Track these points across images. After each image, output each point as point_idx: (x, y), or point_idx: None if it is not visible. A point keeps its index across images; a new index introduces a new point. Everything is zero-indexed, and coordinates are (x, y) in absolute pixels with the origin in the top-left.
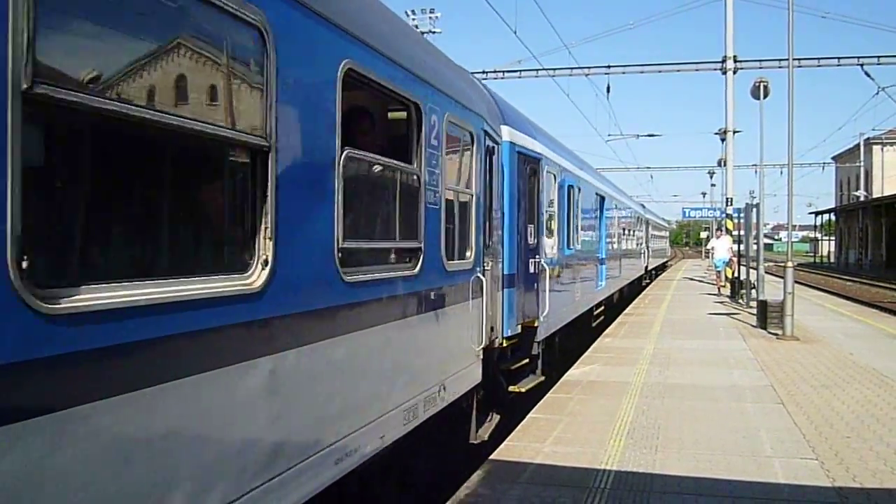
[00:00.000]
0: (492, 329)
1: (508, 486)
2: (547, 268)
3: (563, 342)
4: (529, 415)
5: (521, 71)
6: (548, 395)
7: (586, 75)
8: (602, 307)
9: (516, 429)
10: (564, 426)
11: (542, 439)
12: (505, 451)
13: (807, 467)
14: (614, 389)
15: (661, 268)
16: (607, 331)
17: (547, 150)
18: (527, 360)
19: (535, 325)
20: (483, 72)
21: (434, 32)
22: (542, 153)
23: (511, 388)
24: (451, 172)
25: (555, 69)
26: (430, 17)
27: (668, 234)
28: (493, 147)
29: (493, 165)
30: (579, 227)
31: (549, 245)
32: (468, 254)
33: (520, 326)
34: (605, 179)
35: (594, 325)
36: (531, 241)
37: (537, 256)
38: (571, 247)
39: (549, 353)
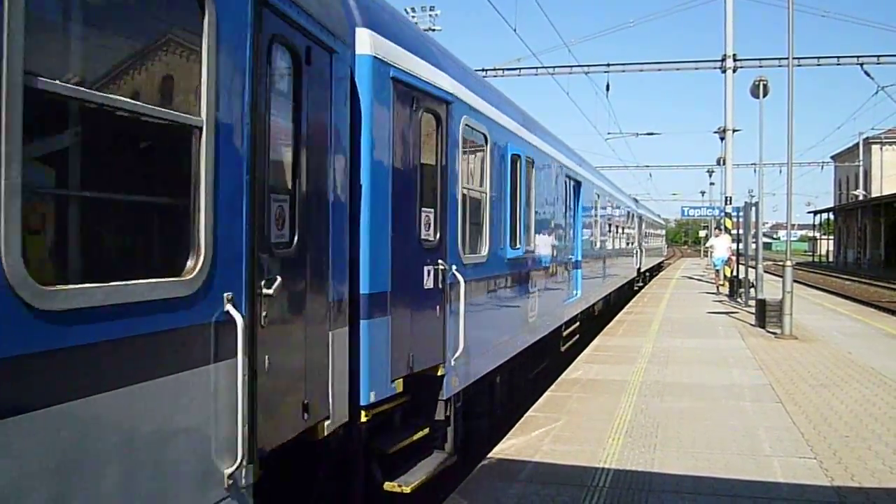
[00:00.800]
0: (305, 407)
1: (507, 485)
2: (461, 280)
3: (513, 379)
4: (528, 413)
5: (520, 69)
6: (546, 393)
7: (586, 73)
8: (577, 323)
9: (514, 427)
10: (563, 424)
11: (540, 437)
12: (504, 450)
13: (805, 466)
14: (613, 388)
15: (657, 268)
16: (606, 329)
17: (466, 92)
18: (426, 431)
19: (440, 373)
20: (483, 69)
21: (434, 30)
22: (455, 95)
23: (388, 487)
24: (96, 56)
25: (554, 67)
26: (430, 15)
27: (664, 232)
28: (308, 50)
29: (306, 85)
30: (534, 220)
31: (472, 243)
32: (190, 262)
33: (397, 384)
34: (585, 162)
35: (565, 347)
36: (428, 236)
37: (441, 262)
38: (519, 246)
39: (484, 403)
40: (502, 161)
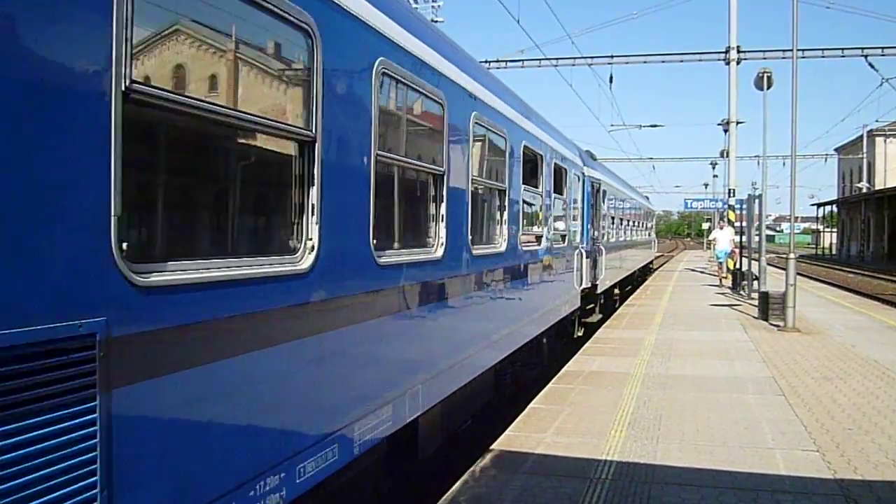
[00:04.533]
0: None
1: (510, 476)
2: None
3: None
4: (530, 405)
5: (523, 60)
6: (549, 385)
7: (589, 65)
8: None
9: (517, 419)
10: (566, 416)
11: (543, 430)
12: (506, 442)
13: (808, 459)
14: (616, 380)
15: (643, 273)
16: (608, 322)
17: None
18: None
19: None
20: (486, 61)
21: (436, 21)
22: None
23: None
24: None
25: (558, 59)
26: (433, 6)
27: (652, 219)
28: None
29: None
30: None
31: None
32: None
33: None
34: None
35: None
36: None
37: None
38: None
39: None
40: None
